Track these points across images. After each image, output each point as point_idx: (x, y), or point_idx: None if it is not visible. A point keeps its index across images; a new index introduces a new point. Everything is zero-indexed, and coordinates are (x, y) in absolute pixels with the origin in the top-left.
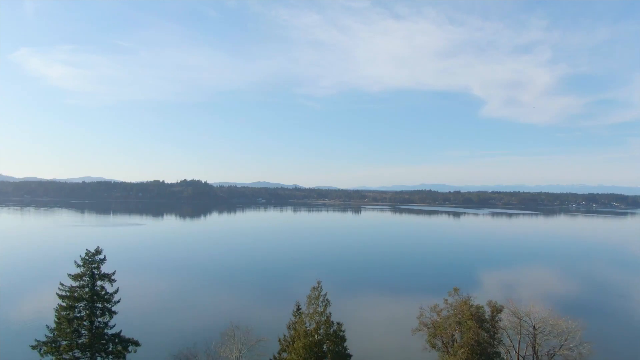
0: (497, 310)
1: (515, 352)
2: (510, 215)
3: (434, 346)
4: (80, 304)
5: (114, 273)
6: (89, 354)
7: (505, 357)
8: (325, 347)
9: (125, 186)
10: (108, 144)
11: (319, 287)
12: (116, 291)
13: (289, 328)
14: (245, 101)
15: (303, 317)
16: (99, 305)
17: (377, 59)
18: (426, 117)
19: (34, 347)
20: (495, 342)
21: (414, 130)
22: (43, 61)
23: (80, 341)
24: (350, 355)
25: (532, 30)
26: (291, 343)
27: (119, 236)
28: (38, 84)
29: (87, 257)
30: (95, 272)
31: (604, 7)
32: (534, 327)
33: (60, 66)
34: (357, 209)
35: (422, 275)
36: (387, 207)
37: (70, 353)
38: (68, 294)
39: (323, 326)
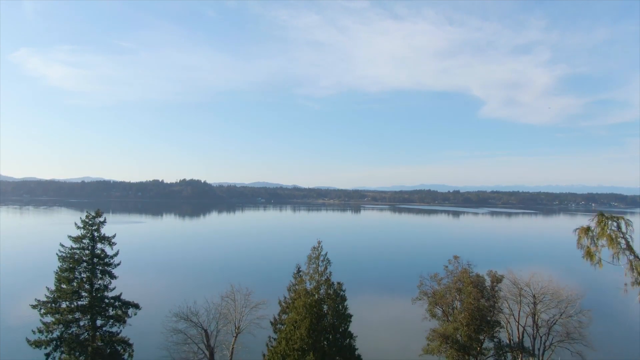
0: (497, 279)
1: (515, 320)
2: (509, 214)
3: (434, 315)
4: (81, 266)
5: (114, 236)
6: (89, 316)
7: (505, 326)
8: (325, 306)
9: (125, 186)
10: (107, 143)
11: (319, 246)
12: (116, 254)
13: (289, 290)
14: (244, 101)
15: (303, 276)
16: (99, 267)
17: (376, 60)
18: (425, 118)
19: (34, 307)
20: (495, 311)
21: (413, 130)
22: (43, 61)
23: (80, 303)
24: (350, 315)
25: (531, 30)
26: (291, 303)
27: (119, 232)
28: (38, 84)
29: (87, 220)
30: (96, 235)
31: (603, 7)
32: (534, 296)
33: (59, 66)
34: (357, 209)
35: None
36: (387, 207)
37: (70, 315)
38: (68, 255)
39: (323, 286)
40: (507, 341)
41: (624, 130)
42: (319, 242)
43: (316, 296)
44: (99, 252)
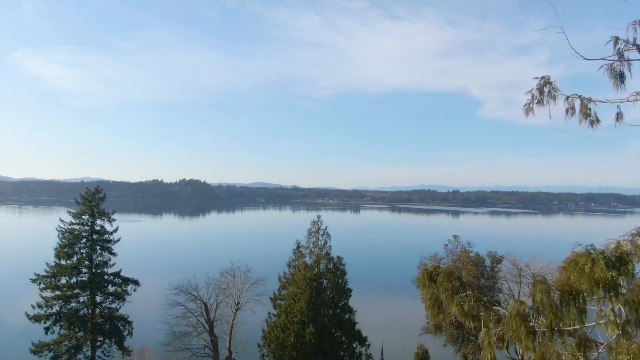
0: (497, 260)
1: (515, 301)
2: (509, 214)
3: None
4: (80, 242)
5: (114, 212)
6: (88, 292)
7: (504, 306)
8: (325, 280)
9: (124, 185)
10: (107, 144)
11: (319, 220)
12: (116, 230)
13: (288, 266)
14: (244, 102)
15: (303, 251)
16: (99, 243)
17: (375, 60)
18: (425, 118)
19: (33, 281)
20: (495, 291)
21: (412, 130)
22: (42, 62)
23: (80, 278)
24: (350, 290)
25: (530, 31)
26: (291, 277)
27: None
28: (37, 85)
29: (87, 196)
30: (95, 210)
31: (602, 8)
32: (533, 276)
33: (59, 67)
34: (356, 208)
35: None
36: (386, 207)
37: (69, 291)
38: (68, 230)
39: (323, 260)
40: None
41: (623, 131)
42: (319, 217)
43: (316, 270)
44: (98, 228)
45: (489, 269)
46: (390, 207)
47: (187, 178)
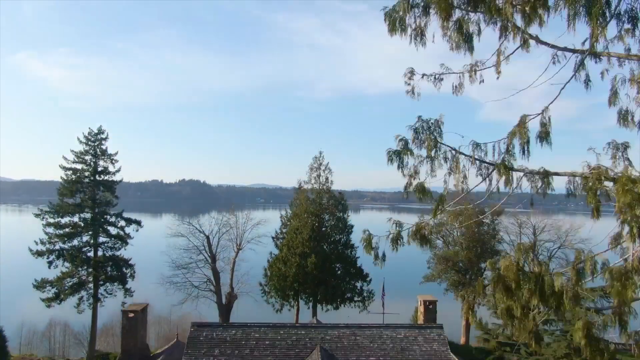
0: (497, 212)
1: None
2: (506, 213)
3: (434, 248)
4: (83, 181)
5: (116, 153)
6: (91, 231)
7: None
8: (327, 215)
9: (124, 185)
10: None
11: (320, 156)
12: (118, 170)
13: (290, 205)
14: (243, 103)
15: (304, 185)
16: (102, 183)
17: (375, 62)
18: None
19: (36, 215)
20: (495, 241)
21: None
22: (42, 63)
23: (83, 215)
24: (352, 225)
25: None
26: (293, 214)
27: None
28: (37, 86)
29: (89, 136)
30: (98, 151)
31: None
32: (534, 227)
33: (59, 69)
34: (356, 209)
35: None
36: (386, 207)
37: (72, 229)
38: (71, 169)
39: (325, 195)
40: None
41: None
42: (321, 152)
43: (317, 205)
44: (101, 168)
45: (489, 221)
46: (390, 206)
47: (187, 178)
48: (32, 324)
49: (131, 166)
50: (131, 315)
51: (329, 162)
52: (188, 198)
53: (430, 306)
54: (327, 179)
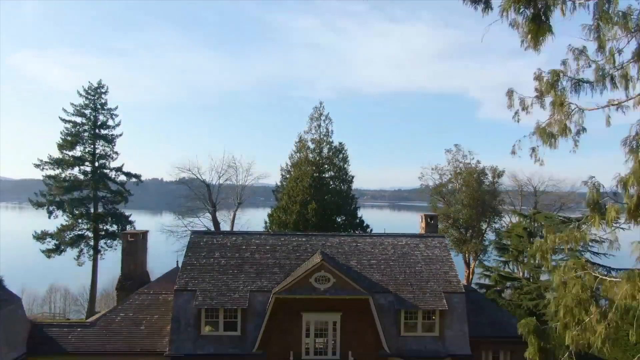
0: (498, 174)
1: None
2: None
3: (435, 208)
4: (83, 135)
5: (116, 108)
6: (91, 183)
7: (508, 218)
8: (327, 166)
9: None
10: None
11: (321, 106)
12: (118, 124)
13: (290, 158)
14: (243, 102)
15: (304, 135)
16: (101, 137)
17: (374, 62)
18: (424, 119)
19: (36, 166)
20: (497, 202)
21: (411, 131)
22: (42, 63)
23: (83, 168)
24: (352, 176)
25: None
26: (293, 165)
27: None
28: (37, 86)
29: (89, 90)
30: (98, 104)
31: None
32: (534, 188)
33: (59, 69)
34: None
35: None
36: (386, 205)
37: (72, 183)
38: (71, 122)
39: (325, 145)
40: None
41: (622, 132)
42: (321, 103)
43: (317, 154)
44: (100, 122)
45: (489, 182)
46: (390, 205)
47: (187, 177)
48: (32, 290)
49: (131, 165)
50: (131, 239)
51: (329, 112)
52: (188, 197)
53: (432, 221)
54: (327, 129)
